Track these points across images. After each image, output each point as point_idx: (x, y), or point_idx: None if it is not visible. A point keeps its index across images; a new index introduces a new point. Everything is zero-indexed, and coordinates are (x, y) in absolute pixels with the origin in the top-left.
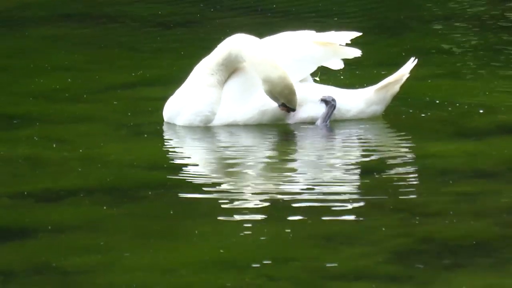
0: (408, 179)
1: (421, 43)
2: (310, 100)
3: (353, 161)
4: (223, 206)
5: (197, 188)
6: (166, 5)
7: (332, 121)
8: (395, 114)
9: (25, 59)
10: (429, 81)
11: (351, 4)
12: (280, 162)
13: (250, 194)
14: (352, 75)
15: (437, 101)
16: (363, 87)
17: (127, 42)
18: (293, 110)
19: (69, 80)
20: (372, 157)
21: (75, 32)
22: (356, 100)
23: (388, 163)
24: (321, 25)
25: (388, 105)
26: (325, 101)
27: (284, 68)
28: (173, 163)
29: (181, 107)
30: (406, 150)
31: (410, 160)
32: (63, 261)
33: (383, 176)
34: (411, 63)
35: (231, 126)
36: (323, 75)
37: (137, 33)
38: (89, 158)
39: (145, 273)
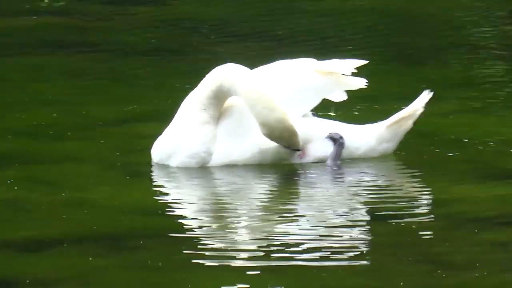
0: (430, 226)
1: (444, 73)
2: (316, 138)
3: (368, 205)
4: (219, 256)
5: (193, 237)
6: (161, 32)
7: (340, 160)
8: (417, 153)
9: (4, 91)
10: (454, 116)
11: (365, 30)
12: (284, 206)
13: (250, 243)
14: (369, 109)
15: (464, 139)
16: (376, 122)
17: (118, 72)
18: (297, 150)
19: (54, 115)
20: (390, 201)
21: (61, 61)
22: (366, 137)
23: (408, 207)
24: (330, 54)
25: (409, 143)
26: (333, 138)
27: (282, 106)
28: (167, 208)
29: (173, 148)
30: (429, 193)
31: (433, 205)
32: None
33: (403, 222)
34: (426, 96)
35: (230, 167)
36: (337, 109)
37: (129, 63)
38: (75, 203)
39: None
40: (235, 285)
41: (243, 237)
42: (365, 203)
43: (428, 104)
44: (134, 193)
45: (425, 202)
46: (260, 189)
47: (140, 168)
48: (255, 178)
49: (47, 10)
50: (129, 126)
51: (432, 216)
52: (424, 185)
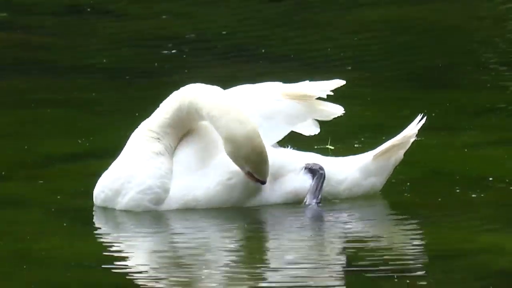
0: (455, 282)
1: (463, 98)
2: (290, 170)
3: (365, 259)
4: None
5: None
6: (127, 50)
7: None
8: (427, 193)
9: None
10: (482, 150)
11: (374, 48)
12: (253, 260)
13: None
14: (374, 141)
15: (491, 178)
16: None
17: (69, 97)
18: (262, 182)
19: None
20: (396, 252)
21: (2, 84)
22: (350, 170)
23: (425, 258)
24: (330, 74)
25: (427, 180)
26: (311, 169)
27: (255, 124)
28: (116, 264)
29: (121, 185)
30: (449, 242)
31: (454, 256)
32: None
33: (428, 277)
34: (418, 121)
35: (188, 211)
36: (333, 142)
37: (83, 86)
38: (14, 256)
39: None
40: None
41: None
42: (352, 257)
43: (444, 135)
44: (77, 246)
45: (446, 252)
46: (225, 238)
47: (86, 213)
48: (219, 225)
49: None
50: (82, 164)
51: (454, 268)
52: (445, 231)
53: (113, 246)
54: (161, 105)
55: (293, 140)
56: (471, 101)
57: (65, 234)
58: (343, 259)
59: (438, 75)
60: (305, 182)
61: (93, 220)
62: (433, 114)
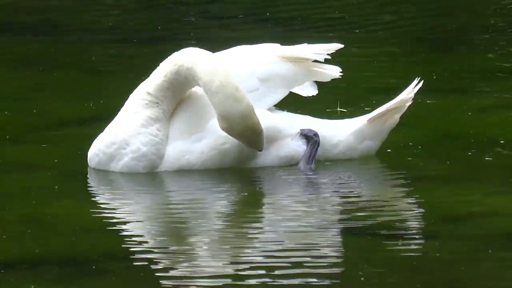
0: (464, 247)
1: (480, 61)
2: (286, 134)
3: (368, 221)
4: (184, 283)
5: (150, 260)
6: (139, 14)
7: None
8: (438, 156)
9: None
10: (495, 113)
11: (388, 9)
12: (248, 220)
13: (214, 265)
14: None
15: (502, 141)
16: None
17: (82, 61)
18: (259, 150)
19: (5, 112)
20: (418, 216)
21: (14, 48)
22: (344, 133)
23: (440, 224)
24: (352, 37)
25: (438, 143)
26: (306, 136)
27: (249, 98)
28: (114, 227)
29: (116, 150)
30: (461, 205)
31: (467, 219)
32: None
33: (436, 241)
34: (415, 85)
35: (183, 172)
36: (345, 105)
37: (95, 50)
38: (28, 220)
39: None
40: None
41: (206, 258)
42: (352, 218)
43: (455, 98)
44: (76, 208)
45: (458, 215)
46: (220, 199)
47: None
48: (213, 186)
49: None
50: (93, 126)
51: (467, 231)
52: (456, 195)
53: (109, 209)
54: (159, 67)
55: (302, 103)
56: (488, 64)
57: (67, 197)
58: (344, 221)
59: (450, 38)
60: (300, 147)
61: (89, 182)
62: (445, 75)
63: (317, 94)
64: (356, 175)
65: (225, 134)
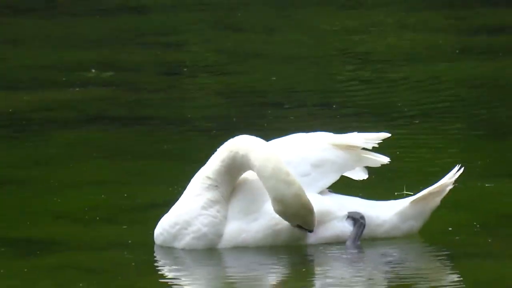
0: None
1: None
2: (334, 216)
3: None
4: None
5: None
6: (221, 105)
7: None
8: (502, 237)
9: (46, 170)
10: None
11: (446, 101)
12: None
13: None
14: (453, 188)
15: None
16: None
17: (174, 150)
18: (310, 231)
19: (102, 196)
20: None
21: (109, 137)
22: (389, 214)
23: None
24: (411, 126)
25: (492, 224)
26: (353, 218)
27: (299, 182)
28: None
29: (178, 230)
30: (504, 278)
31: None
32: None
33: None
34: (456, 171)
35: (240, 249)
36: (410, 188)
37: (187, 140)
38: None
39: None
40: None
41: None
42: None
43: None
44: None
45: None
46: (273, 274)
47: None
48: (267, 262)
49: (93, 81)
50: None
51: None
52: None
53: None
54: (216, 153)
55: (372, 187)
56: None
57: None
58: None
59: (502, 126)
60: (346, 228)
61: (156, 257)
62: (499, 157)
63: (387, 177)
64: (401, 252)
65: (277, 217)
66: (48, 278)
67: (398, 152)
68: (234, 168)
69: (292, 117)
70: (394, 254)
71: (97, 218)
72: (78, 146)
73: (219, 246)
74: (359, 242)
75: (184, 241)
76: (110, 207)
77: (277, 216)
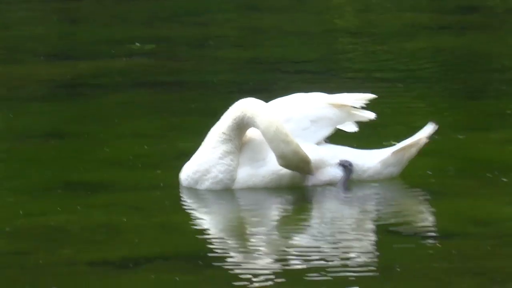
0: (489, 243)
1: (508, 106)
2: (328, 163)
3: (423, 224)
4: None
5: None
6: (245, 72)
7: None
8: (475, 179)
9: (99, 125)
10: (509, 145)
11: (423, 61)
12: (300, 223)
13: (274, 259)
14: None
15: None
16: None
17: (204, 109)
18: (311, 174)
19: (145, 147)
20: (451, 220)
21: (150, 98)
22: (373, 162)
23: (470, 226)
24: (388, 88)
25: (467, 168)
26: (343, 165)
27: (296, 139)
28: (209, 231)
29: (200, 175)
30: (484, 213)
31: (488, 224)
32: None
33: (460, 240)
34: (431, 128)
35: (251, 189)
36: (397, 138)
37: (214, 100)
38: (164, 226)
39: None
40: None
41: (267, 254)
42: (383, 220)
43: (476, 134)
44: (208, 218)
45: (481, 221)
46: (278, 210)
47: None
48: (273, 201)
49: (138, 52)
50: None
51: (487, 233)
52: (480, 206)
53: (200, 219)
54: (228, 112)
55: (365, 137)
56: (501, 108)
57: (201, 209)
58: (375, 225)
59: (475, 89)
60: (337, 174)
61: (184, 197)
62: (473, 113)
63: (375, 130)
64: (385, 192)
65: None
66: (99, 214)
67: (385, 110)
68: (243, 125)
69: (297, 82)
70: (380, 194)
71: (140, 165)
72: (125, 106)
73: (233, 188)
74: (347, 185)
75: (205, 185)
76: (150, 156)
77: None
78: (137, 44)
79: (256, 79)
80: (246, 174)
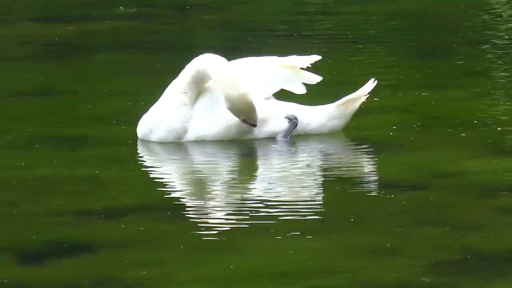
0: (448, 194)
1: (465, 65)
2: (274, 117)
3: (382, 176)
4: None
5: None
6: (226, 34)
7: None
8: (435, 134)
9: (88, 84)
10: (465, 102)
11: (389, 27)
12: (248, 176)
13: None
14: (391, 96)
15: (476, 121)
16: (398, 109)
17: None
18: (254, 125)
19: (129, 103)
20: (412, 172)
21: (133, 59)
22: (318, 115)
23: (430, 179)
24: (355, 49)
25: (428, 124)
26: (288, 118)
27: (247, 87)
28: (169, 183)
29: (156, 124)
30: (444, 166)
31: (447, 175)
32: (124, 274)
33: (420, 191)
34: (371, 83)
35: (201, 142)
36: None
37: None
38: (146, 178)
39: (201, 285)
40: (285, 247)
41: (220, 202)
42: (328, 170)
43: (437, 91)
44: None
45: (443, 173)
46: (226, 162)
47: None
48: (221, 152)
49: (121, 15)
50: None
51: (450, 185)
52: (444, 160)
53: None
54: (186, 68)
55: (313, 97)
56: (470, 66)
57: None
58: (320, 177)
59: (432, 48)
60: (283, 126)
61: (137, 148)
62: (431, 72)
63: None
64: (332, 145)
65: (229, 116)
66: (81, 167)
67: (340, 69)
68: (199, 79)
69: (265, 44)
70: (328, 148)
71: (120, 121)
72: (109, 65)
73: (184, 140)
74: (288, 137)
75: (158, 134)
76: (130, 112)
77: (229, 115)
78: (121, 8)
79: (230, 40)
80: (197, 125)
